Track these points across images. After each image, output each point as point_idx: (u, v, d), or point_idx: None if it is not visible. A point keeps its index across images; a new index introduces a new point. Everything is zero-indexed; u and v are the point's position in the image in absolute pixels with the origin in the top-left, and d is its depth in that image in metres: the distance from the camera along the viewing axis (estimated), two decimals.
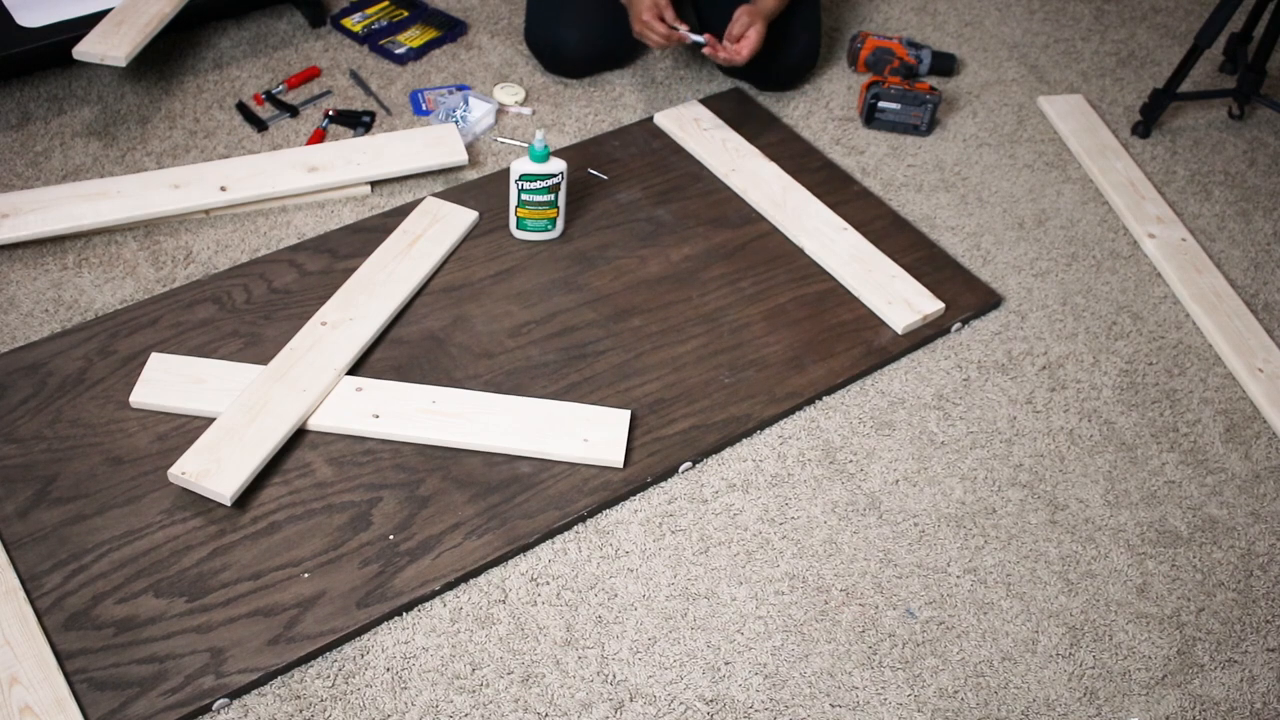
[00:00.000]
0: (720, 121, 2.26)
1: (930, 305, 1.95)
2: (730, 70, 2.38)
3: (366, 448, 1.69)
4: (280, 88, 2.29)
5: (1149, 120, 2.38)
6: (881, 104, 2.31)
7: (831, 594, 1.61)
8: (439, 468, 1.67)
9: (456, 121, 2.23)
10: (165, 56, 2.34)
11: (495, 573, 1.59)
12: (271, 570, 1.54)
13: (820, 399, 1.84)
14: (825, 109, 2.39)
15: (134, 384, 1.72)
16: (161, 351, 1.77)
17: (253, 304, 1.87)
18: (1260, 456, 1.84)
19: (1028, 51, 2.61)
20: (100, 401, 1.71)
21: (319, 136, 2.19)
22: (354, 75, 2.35)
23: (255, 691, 1.45)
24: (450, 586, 1.56)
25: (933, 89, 2.31)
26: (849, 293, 1.98)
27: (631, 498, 1.69)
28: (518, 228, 2.01)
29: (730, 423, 1.77)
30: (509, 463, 1.69)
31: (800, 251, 2.04)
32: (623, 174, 2.16)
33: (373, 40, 2.42)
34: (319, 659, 1.49)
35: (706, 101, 2.33)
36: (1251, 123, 2.47)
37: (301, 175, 2.05)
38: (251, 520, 1.59)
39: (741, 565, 1.63)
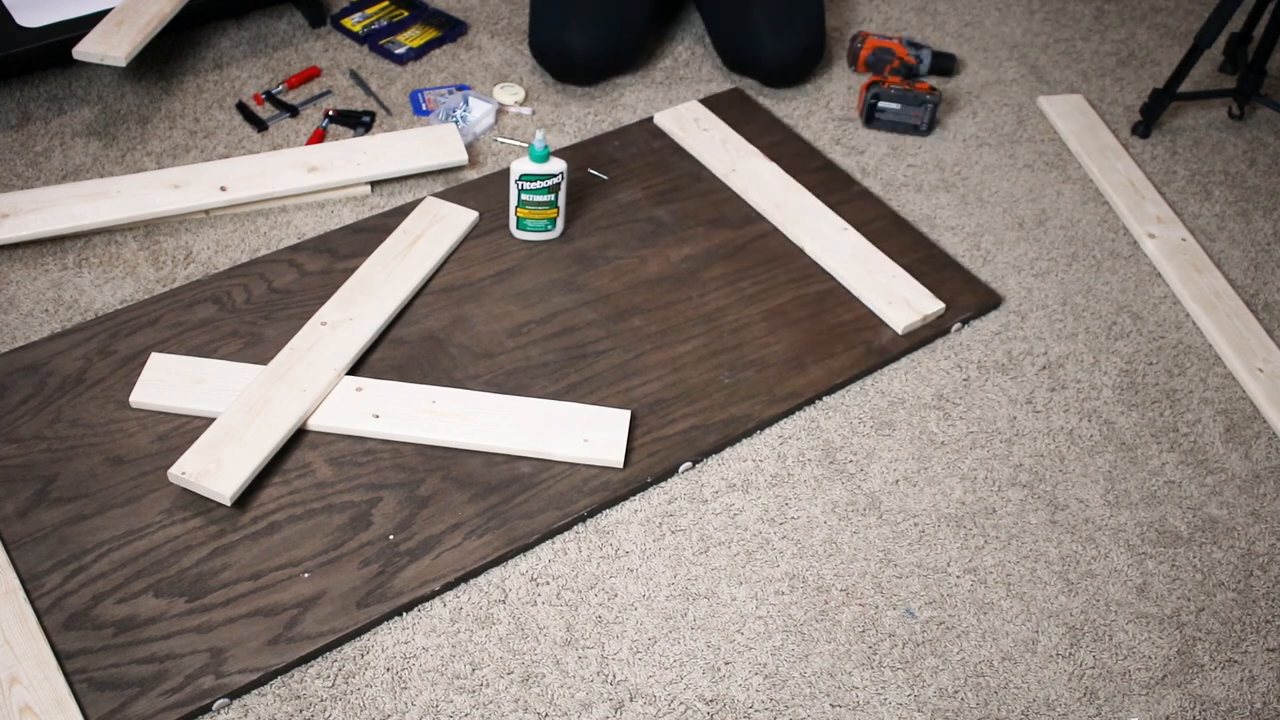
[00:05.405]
0: (720, 121, 2.26)
1: (930, 305, 1.95)
2: (735, 66, 2.38)
3: (366, 448, 1.69)
4: (280, 88, 2.29)
5: (1149, 120, 2.38)
6: (881, 104, 2.31)
7: (831, 594, 1.61)
8: (439, 468, 1.67)
9: (456, 121, 2.23)
10: (165, 56, 2.34)
11: (495, 573, 1.59)
12: (271, 570, 1.54)
13: (820, 399, 1.84)
14: (825, 109, 2.39)
15: (134, 384, 1.72)
16: (161, 351, 1.77)
17: (253, 304, 1.87)
18: (1260, 456, 1.84)
19: (1028, 51, 2.61)
20: (100, 401, 1.71)
21: (319, 136, 2.19)
22: (354, 75, 2.35)
23: (255, 691, 1.45)
24: (450, 586, 1.56)
25: (933, 89, 2.31)
26: (849, 293, 1.98)
27: (631, 498, 1.69)
28: (518, 228, 2.01)
29: (730, 423, 1.77)
30: (509, 463, 1.69)
31: (800, 251, 2.04)
32: (623, 174, 2.16)
33: (373, 40, 2.42)
34: (319, 659, 1.49)
35: (706, 101, 2.33)
36: (1251, 123, 2.47)
37: (301, 175, 2.05)
38: (251, 520, 1.59)
39: (741, 565, 1.63)
